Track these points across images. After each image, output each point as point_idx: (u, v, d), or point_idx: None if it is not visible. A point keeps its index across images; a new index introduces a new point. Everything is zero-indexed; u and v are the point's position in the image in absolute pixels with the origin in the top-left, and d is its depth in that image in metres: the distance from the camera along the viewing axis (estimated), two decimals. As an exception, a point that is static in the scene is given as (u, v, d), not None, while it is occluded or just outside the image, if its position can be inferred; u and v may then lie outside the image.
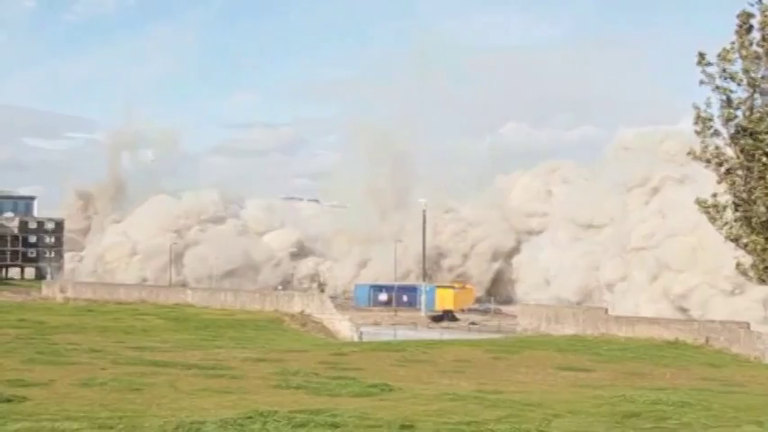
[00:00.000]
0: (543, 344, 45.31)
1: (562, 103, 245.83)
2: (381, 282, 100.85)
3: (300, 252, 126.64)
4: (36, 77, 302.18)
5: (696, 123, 12.66)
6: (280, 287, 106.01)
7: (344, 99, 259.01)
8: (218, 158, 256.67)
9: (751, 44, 12.16)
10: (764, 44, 12.07)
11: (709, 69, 12.38)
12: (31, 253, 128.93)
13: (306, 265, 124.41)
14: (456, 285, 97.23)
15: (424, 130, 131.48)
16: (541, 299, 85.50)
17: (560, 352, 41.82)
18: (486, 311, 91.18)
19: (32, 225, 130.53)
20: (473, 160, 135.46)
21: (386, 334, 63.44)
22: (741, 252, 13.11)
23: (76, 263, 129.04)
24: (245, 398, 22.13)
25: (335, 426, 16.96)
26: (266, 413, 17.73)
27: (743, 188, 12.53)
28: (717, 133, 12.57)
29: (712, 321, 53.80)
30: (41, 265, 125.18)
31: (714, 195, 13.00)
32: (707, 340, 47.71)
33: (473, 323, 77.33)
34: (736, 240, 12.95)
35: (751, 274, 13.02)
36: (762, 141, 12.13)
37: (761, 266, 12.74)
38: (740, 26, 12.19)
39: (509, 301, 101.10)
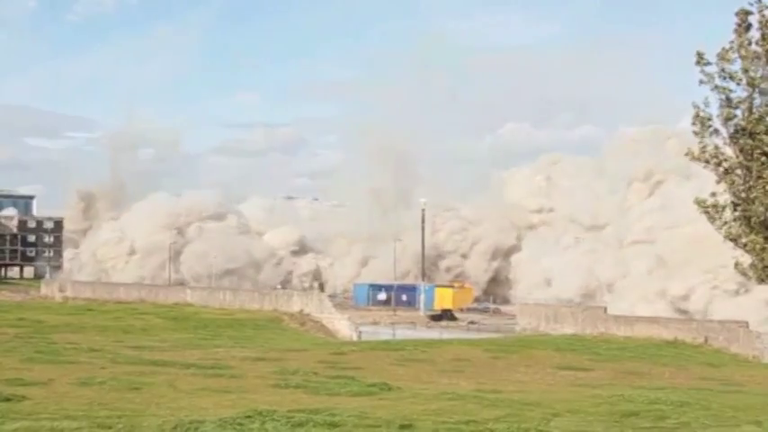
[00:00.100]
0: (542, 343, 45.28)
1: (562, 103, 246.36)
2: (380, 281, 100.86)
3: (301, 250, 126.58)
4: (37, 77, 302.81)
5: (694, 124, 12.65)
6: (279, 286, 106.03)
7: (344, 99, 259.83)
8: (219, 158, 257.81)
9: (750, 43, 12.16)
10: (764, 44, 12.07)
11: (709, 69, 12.38)
12: (30, 252, 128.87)
13: (307, 262, 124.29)
14: (455, 285, 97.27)
15: (424, 129, 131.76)
16: (542, 299, 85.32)
17: (559, 351, 41.81)
18: (485, 311, 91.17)
19: (32, 224, 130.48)
20: (474, 160, 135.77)
21: (385, 333, 63.48)
22: (740, 251, 13.12)
23: (73, 258, 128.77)
24: (244, 397, 22.11)
25: (334, 425, 16.95)
26: (265, 412, 17.71)
27: (742, 188, 12.53)
28: (716, 132, 12.57)
29: (711, 321, 53.75)
30: (40, 264, 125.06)
31: (713, 195, 13.00)
32: (706, 340, 47.70)
33: (472, 322, 77.30)
34: (735, 240, 12.95)
35: (750, 273, 13.03)
36: (760, 141, 12.13)
37: (760, 266, 12.74)
38: (739, 24, 12.19)
39: (506, 301, 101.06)
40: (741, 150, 12.38)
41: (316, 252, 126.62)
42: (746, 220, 12.62)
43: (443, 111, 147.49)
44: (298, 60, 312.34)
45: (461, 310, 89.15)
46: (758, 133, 12.14)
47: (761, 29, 12.11)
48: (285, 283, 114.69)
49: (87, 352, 35.16)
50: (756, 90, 12.20)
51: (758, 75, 12.15)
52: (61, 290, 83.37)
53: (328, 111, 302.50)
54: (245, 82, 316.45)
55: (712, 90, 12.42)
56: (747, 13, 12.12)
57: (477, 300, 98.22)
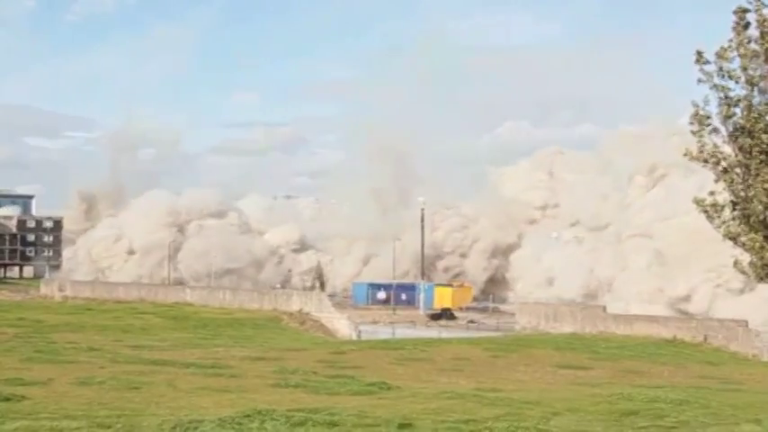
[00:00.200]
0: (542, 342, 45.30)
1: (562, 102, 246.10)
2: (380, 280, 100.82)
3: (302, 248, 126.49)
4: (36, 77, 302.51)
5: (692, 122, 12.66)
6: (278, 285, 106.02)
7: (344, 99, 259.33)
8: (218, 158, 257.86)
9: (749, 41, 12.16)
10: (763, 42, 12.07)
11: (707, 68, 12.38)
12: (30, 252, 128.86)
13: (308, 258, 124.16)
14: (454, 284, 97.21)
15: (424, 129, 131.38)
16: (543, 298, 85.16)
17: (559, 350, 41.82)
18: (484, 309, 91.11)
19: (31, 224, 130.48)
20: (474, 159, 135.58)
21: (384, 332, 63.46)
22: (739, 250, 13.14)
23: (71, 258, 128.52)
24: (244, 396, 22.11)
25: (334, 424, 16.94)
26: (264, 412, 17.70)
27: (740, 186, 12.54)
28: (715, 131, 12.58)
29: (710, 319, 53.73)
30: (39, 263, 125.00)
31: (712, 194, 13.01)
32: (705, 338, 47.70)
33: (471, 321, 77.24)
34: (734, 238, 12.96)
35: (749, 271, 13.04)
36: (759, 139, 12.14)
37: (759, 264, 12.75)
38: (737, 23, 12.20)
39: (504, 300, 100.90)
40: (740, 149, 12.38)
41: (317, 249, 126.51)
42: (745, 218, 12.63)
43: (443, 110, 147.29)
44: (297, 60, 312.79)
45: (461, 308, 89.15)
46: (757, 131, 12.15)
47: (759, 27, 12.11)
48: (285, 282, 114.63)
49: (87, 351, 35.16)
50: (755, 88, 12.21)
51: (757, 73, 12.15)
52: (60, 289, 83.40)
53: (328, 110, 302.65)
54: (244, 81, 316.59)
55: (711, 89, 12.43)
56: (745, 11, 12.12)
57: (476, 299, 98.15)
